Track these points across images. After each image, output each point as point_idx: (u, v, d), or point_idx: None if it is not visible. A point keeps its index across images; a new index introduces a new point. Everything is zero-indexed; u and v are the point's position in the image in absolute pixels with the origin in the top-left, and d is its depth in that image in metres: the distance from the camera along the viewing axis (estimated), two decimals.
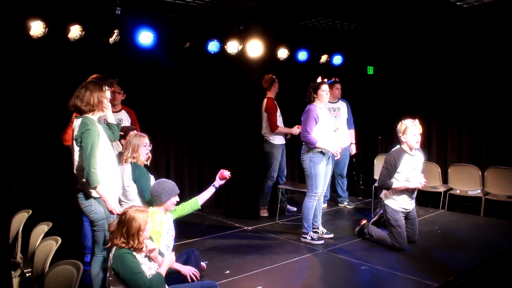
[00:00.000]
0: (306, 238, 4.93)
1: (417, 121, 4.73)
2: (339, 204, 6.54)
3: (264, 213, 6.15)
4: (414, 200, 4.85)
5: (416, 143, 4.63)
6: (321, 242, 4.86)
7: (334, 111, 6.25)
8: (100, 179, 3.25)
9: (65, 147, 4.19)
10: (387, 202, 4.74)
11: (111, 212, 3.32)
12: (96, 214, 3.34)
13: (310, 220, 4.93)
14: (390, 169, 4.65)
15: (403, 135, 4.68)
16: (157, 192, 3.51)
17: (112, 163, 3.47)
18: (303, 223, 4.97)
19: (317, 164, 4.82)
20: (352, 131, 6.46)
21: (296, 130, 5.88)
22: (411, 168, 4.68)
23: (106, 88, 3.46)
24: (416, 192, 4.85)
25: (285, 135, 6.12)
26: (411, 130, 4.62)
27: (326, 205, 6.44)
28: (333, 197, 6.63)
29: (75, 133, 3.34)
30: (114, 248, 2.92)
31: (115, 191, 3.50)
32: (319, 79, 4.94)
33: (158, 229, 3.44)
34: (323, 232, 5.08)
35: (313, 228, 5.07)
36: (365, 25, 6.74)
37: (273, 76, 6.09)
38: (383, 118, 7.59)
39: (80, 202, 3.39)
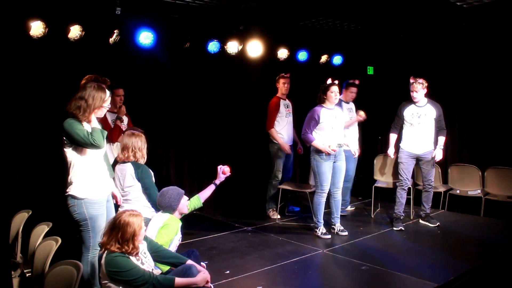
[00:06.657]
0: (316, 232, 5.18)
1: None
2: None
3: (273, 215, 6.01)
4: (425, 146, 5.38)
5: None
6: (328, 236, 5.11)
7: (350, 112, 6.07)
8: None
9: None
10: (401, 144, 5.47)
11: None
12: (79, 214, 3.35)
13: (320, 215, 5.16)
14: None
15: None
16: (166, 203, 3.56)
17: (100, 165, 3.45)
18: (313, 218, 5.24)
19: (321, 162, 5.01)
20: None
21: (288, 148, 5.85)
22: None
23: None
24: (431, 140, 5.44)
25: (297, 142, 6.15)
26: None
27: (353, 208, 6.50)
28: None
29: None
30: (105, 253, 2.84)
31: (106, 189, 3.50)
32: (329, 81, 5.05)
33: (171, 237, 3.48)
34: (339, 230, 5.24)
35: (331, 224, 5.27)
36: (365, 25, 6.72)
37: (280, 75, 6.00)
38: (383, 118, 7.58)
39: (67, 202, 3.40)
